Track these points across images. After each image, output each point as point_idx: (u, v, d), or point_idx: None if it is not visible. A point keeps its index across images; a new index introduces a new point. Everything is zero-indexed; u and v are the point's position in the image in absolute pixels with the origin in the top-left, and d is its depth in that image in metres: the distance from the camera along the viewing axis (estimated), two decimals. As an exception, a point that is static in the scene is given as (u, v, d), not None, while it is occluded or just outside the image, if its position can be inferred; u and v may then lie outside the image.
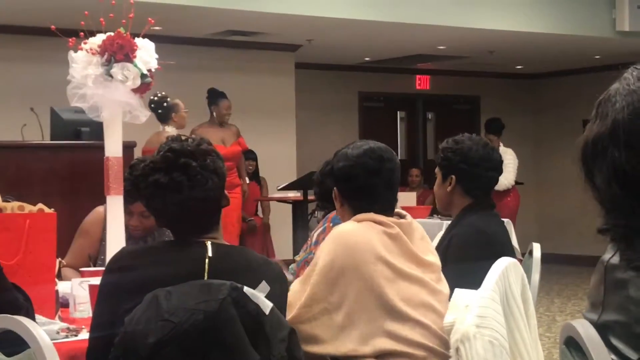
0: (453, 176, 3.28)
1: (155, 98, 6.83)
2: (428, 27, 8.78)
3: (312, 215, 7.83)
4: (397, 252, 2.57)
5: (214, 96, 7.98)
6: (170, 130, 6.77)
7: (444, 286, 2.64)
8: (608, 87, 1.50)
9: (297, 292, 2.55)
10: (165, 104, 6.85)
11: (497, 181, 3.34)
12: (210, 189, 2.23)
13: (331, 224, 3.70)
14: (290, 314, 2.49)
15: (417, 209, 7.45)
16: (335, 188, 2.74)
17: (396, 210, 2.73)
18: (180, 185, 2.21)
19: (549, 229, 12.10)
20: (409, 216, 2.71)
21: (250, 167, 8.90)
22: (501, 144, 9.03)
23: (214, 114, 7.91)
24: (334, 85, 11.48)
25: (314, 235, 3.92)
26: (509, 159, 8.82)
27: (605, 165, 1.41)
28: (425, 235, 2.70)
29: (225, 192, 2.32)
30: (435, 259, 2.67)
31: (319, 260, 2.54)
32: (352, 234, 2.56)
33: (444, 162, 3.32)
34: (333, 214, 3.71)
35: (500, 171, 3.33)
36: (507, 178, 8.75)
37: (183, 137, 2.31)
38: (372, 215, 2.62)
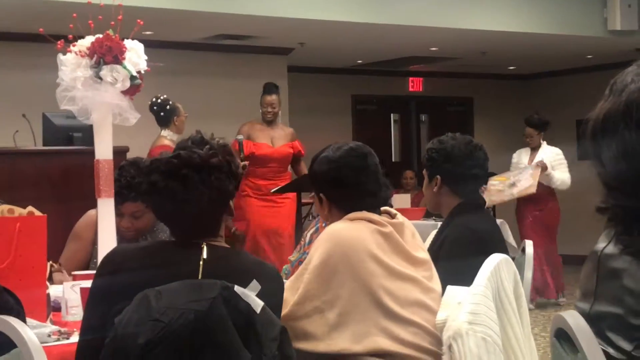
0: (438, 176, 3.29)
1: (158, 100, 6.80)
2: (420, 29, 8.78)
3: (306, 218, 7.82)
4: (390, 251, 2.57)
5: (262, 91, 7.56)
6: (167, 134, 6.74)
7: (436, 284, 2.64)
8: (600, 86, 1.51)
9: (289, 289, 2.54)
10: (168, 107, 6.80)
11: (482, 179, 3.33)
12: (204, 204, 2.20)
13: (324, 224, 3.70)
14: (283, 311, 2.48)
15: (412, 210, 7.47)
16: (320, 194, 2.71)
17: (386, 209, 2.72)
18: (174, 194, 2.19)
19: (544, 229, 12.08)
20: (399, 215, 2.71)
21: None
22: (544, 142, 8.52)
23: (261, 111, 7.50)
24: (326, 88, 11.49)
25: (307, 235, 3.92)
26: (560, 158, 8.41)
27: (614, 142, 1.42)
28: (415, 232, 2.70)
29: (231, 203, 2.28)
30: (426, 255, 2.67)
31: (312, 259, 2.54)
32: (346, 233, 2.56)
33: (428, 163, 3.34)
34: None
35: (485, 168, 3.32)
36: (566, 176, 8.32)
37: (205, 140, 2.25)
38: (365, 213, 2.61)
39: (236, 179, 2.27)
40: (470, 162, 3.26)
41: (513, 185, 8.05)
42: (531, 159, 8.36)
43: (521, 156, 8.47)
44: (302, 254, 3.90)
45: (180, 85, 8.75)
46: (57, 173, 5.38)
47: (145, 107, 6.56)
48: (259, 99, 9.76)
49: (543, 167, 8.08)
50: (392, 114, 12.47)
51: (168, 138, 6.71)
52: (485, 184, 3.39)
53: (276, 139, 7.33)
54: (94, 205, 3.55)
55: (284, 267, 3.99)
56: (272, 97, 7.36)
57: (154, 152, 6.48)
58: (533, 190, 7.97)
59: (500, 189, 8.04)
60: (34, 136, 5.94)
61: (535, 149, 8.41)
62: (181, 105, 6.98)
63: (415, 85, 12.39)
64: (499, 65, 11.94)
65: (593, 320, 1.41)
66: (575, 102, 12.06)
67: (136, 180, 3.38)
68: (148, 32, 7.57)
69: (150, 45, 3.26)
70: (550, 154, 8.37)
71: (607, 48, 10.28)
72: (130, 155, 5.89)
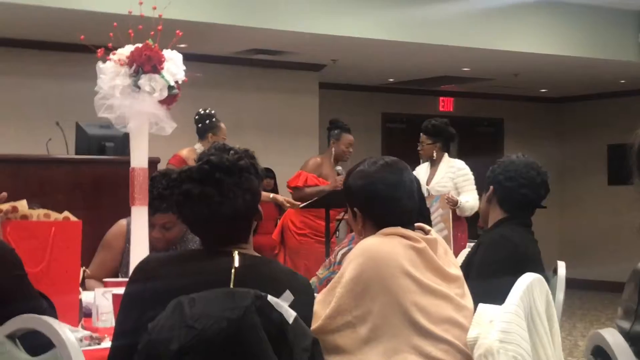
0: (492, 186, 3.37)
1: (202, 112, 6.78)
2: (452, 49, 8.79)
3: (334, 235, 7.80)
4: (423, 267, 2.56)
5: (336, 128, 6.98)
6: (198, 147, 6.71)
7: (468, 301, 2.62)
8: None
9: (321, 302, 2.54)
10: (207, 121, 6.71)
11: (532, 202, 3.33)
12: (239, 207, 2.24)
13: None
14: (315, 324, 2.48)
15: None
16: (355, 208, 2.70)
17: (420, 225, 2.71)
18: (209, 200, 2.22)
19: (572, 253, 12.01)
20: (433, 231, 2.70)
21: (268, 186, 8.76)
22: (445, 155, 6.68)
23: (333, 149, 6.94)
24: (357, 105, 11.51)
25: (338, 254, 3.90)
26: (465, 174, 6.57)
27: None
28: (448, 249, 2.69)
29: (259, 207, 2.32)
30: (459, 272, 2.66)
31: (345, 273, 2.53)
32: (379, 248, 2.55)
33: (489, 173, 3.42)
34: None
35: (538, 194, 3.33)
36: (474, 198, 6.32)
37: (228, 147, 2.31)
38: (398, 229, 2.60)
39: (262, 181, 2.33)
40: (522, 181, 3.30)
41: None
42: (430, 176, 6.67)
43: (420, 173, 6.59)
44: (331, 272, 3.89)
45: (212, 98, 8.80)
46: (88, 182, 5.42)
47: (179, 117, 6.56)
48: (289, 114, 9.86)
49: (452, 203, 6.30)
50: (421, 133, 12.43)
51: (198, 151, 6.70)
52: (534, 208, 3.39)
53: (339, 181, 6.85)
54: (124, 214, 3.58)
55: (311, 280, 3.98)
56: (352, 137, 6.97)
57: (170, 161, 6.50)
58: (449, 237, 6.21)
59: None
60: (67, 145, 5.99)
61: (435, 163, 6.68)
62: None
63: (446, 105, 12.37)
64: (530, 87, 11.91)
65: (633, 339, 1.40)
66: (608, 126, 12.01)
67: (168, 192, 3.42)
68: (182, 45, 7.61)
69: (184, 57, 3.29)
70: (453, 170, 6.62)
71: (641, 73, 10.24)
72: (161, 166, 5.94)
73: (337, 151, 6.95)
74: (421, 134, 6.75)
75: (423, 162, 6.80)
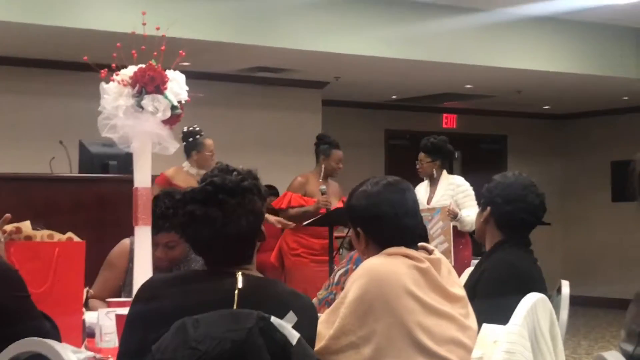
0: (489, 207, 3.30)
1: (186, 129, 6.69)
2: (456, 66, 8.80)
3: (337, 252, 7.79)
4: (427, 287, 2.56)
5: (324, 144, 6.94)
6: (186, 166, 6.61)
7: (472, 321, 2.62)
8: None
9: (325, 322, 2.54)
10: (190, 139, 6.58)
11: (531, 224, 3.30)
12: (243, 228, 2.24)
13: (354, 267, 3.69)
14: (318, 345, 2.48)
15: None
16: (358, 229, 2.71)
17: (423, 244, 2.71)
18: (213, 221, 2.23)
19: (576, 270, 12.00)
20: (436, 251, 2.70)
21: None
22: (444, 172, 6.67)
23: (323, 165, 6.87)
24: (360, 122, 11.53)
25: (336, 274, 3.90)
26: (465, 189, 6.55)
27: None
28: (452, 269, 2.69)
29: (262, 227, 2.32)
30: (462, 292, 2.66)
31: (349, 293, 2.53)
32: (382, 268, 2.55)
33: (485, 192, 3.35)
34: (357, 254, 3.69)
35: (536, 216, 3.28)
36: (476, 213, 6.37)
37: (231, 168, 2.31)
38: (402, 249, 2.61)
39: (265, 202, 2.33)
40: (521, 205, 3.24)
41: None
42: (431, 195, 6.64)
43: (420, 192, 6.53)
44: (329, 293, 3.89)
45: (215, 116, 8.82)
46: (92, 200, 5.44)
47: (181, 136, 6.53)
48: (293, 131, 9.86)
49: (452, 215, 6.28)
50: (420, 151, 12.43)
51: (185, 169, 6.61)
52: (532, 227, 3.33)
53: (331, 197, 6.81)
54: (128, 233, 3.58)
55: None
56: (341, 153, 6.93)
57: (155, 180, 6.23)
58: (449, 250, 6.17)
59: None
60: (70, 163, 6.01)
61: (434, 182, 6.66)
62: (213, 137, 6.76)
63: (449, 121, 12.39)
64: (533, 104, 11.93)
65: (636, 362, 1.40)
66: (611, 143, 12.02)
67: (171, 212, 3.43)
68: (185, 63, 7.65)
69: (187, 75, 3.29)
70: (452, 187, 6.59)
71: (643, 89, 10.25)
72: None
73: (327, 167, 6.89)
74: (420, 152, 6.71)
75: (424, 180, 6.80)
